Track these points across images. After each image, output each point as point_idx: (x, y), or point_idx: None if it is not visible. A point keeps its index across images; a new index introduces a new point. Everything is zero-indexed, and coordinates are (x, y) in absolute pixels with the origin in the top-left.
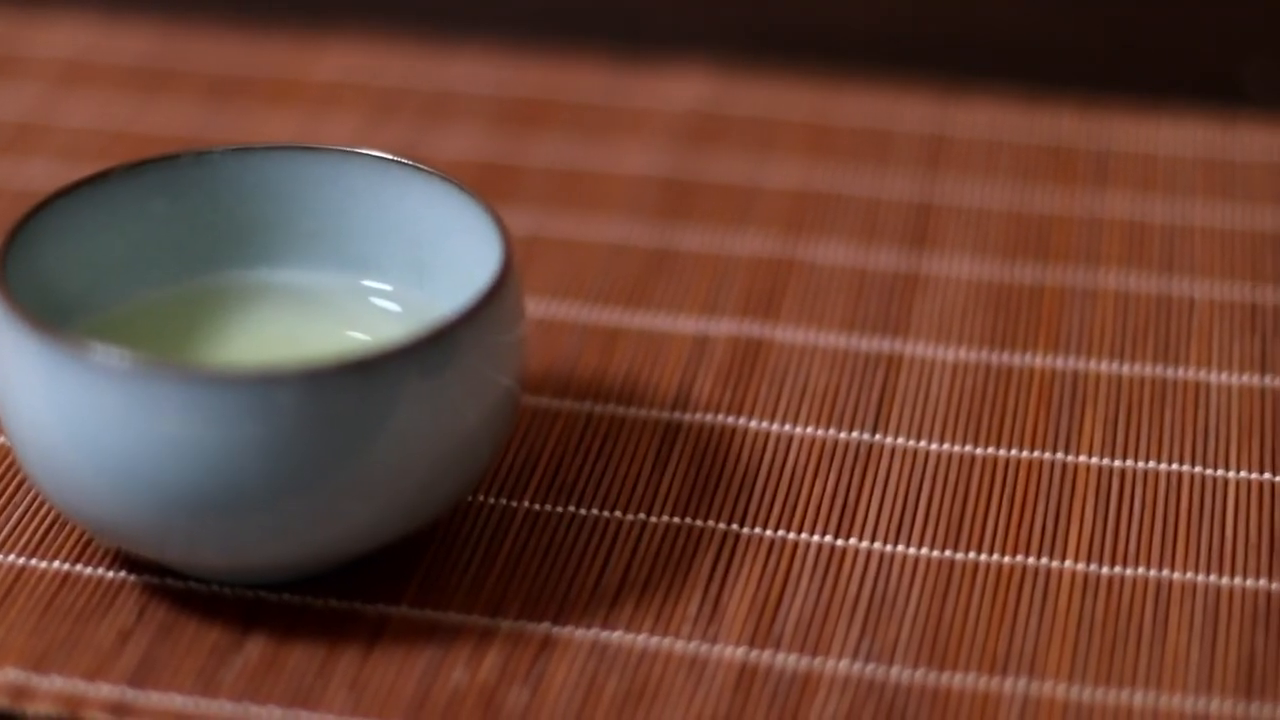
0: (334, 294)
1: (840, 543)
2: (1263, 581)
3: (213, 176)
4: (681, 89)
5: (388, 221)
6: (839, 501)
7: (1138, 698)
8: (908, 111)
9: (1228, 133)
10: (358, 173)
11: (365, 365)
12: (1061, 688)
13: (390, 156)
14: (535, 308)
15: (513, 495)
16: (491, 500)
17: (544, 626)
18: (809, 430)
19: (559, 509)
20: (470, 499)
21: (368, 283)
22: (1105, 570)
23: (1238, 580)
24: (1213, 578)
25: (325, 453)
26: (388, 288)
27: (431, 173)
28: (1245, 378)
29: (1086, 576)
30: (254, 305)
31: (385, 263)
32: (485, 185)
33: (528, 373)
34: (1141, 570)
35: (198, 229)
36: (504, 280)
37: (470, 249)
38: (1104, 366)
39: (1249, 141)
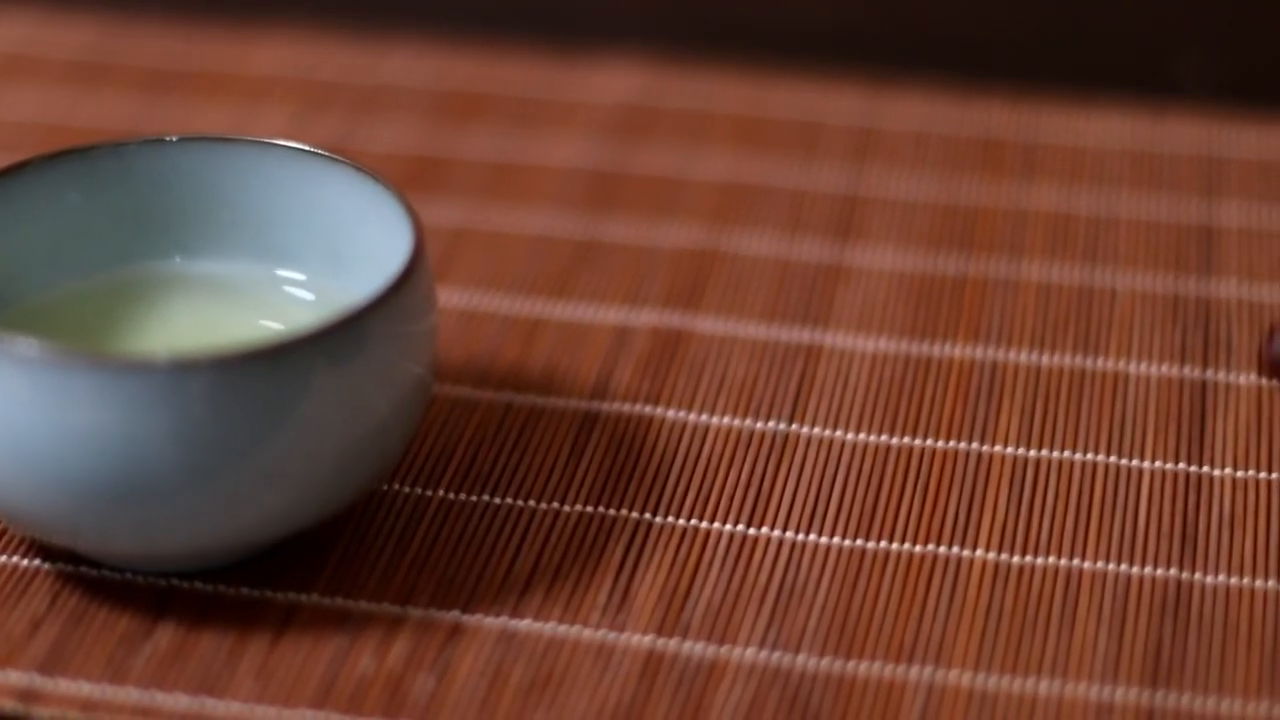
0: (251, 284)
1: (752, 532)
2: (1173, 571)
3: (129, 168)
4: (613, 82)
5: (304, 212)
6: (752, 491)
7: (1043, 686)
8: (837, 104)
9: (1156, 125)
10: (274, 164)
11: (274, 353)
12: (967, 676)
13: (306, 148)
14: (460, 299)
15: (428, 484)
16: (407, 489)
17: (453, 615)
18: (725, 420)
19: (473, 498)
20: (385, 487)
21: (284, 273)
22: (1016, 559)
23: (1148, 569)
24: (1123, 567)
25: (236, 441)
26: (304, 278)
27: (347, 164)
28: (1164, 369)
29: (997, 566)
30: (171, 296)
31: (302, 253)
32: (416, 178)
33: (449, 363)
34: (1052, 559)
35: (116, 220)
36: (412, 270)
37: (386, 239)
38: (1023, 357)
39: (1177, 134)
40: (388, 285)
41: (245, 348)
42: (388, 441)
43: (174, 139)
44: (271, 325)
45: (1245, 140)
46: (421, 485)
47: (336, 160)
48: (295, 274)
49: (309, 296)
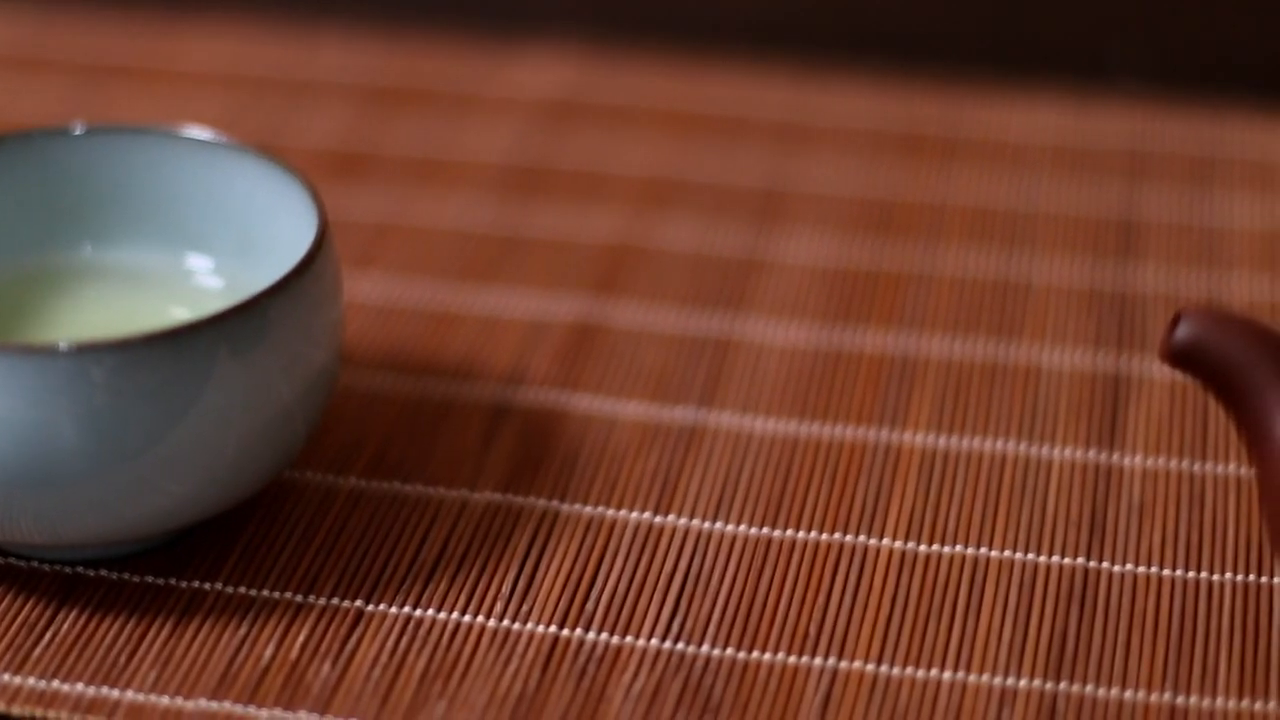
0: (162, 273)
1: (659, 520)
2: (1080, 560)
3: (40, 158)
4: (542, 73)
5: (215, 201)
6: (661, 479)
7: (945, 676)
8: (764, 96)
9: (1081, 116)
10: (185, 154)
11: (175, 338)
12: (870, 666)
13: (216, 138)
14: (381, 289)
15: (339, 473)
16: (317, 478)
17: (356, 604)
18: (638, 409)
19: (383, 486)
20: (296, 476)
21: (196, 261)
22: (923, 548)
23: (1055, 558)
24: (1030, 556)
25: (139, 427)
26: (215, 266)
27: (257, 154)
28: (1078, 358)
29: (903, 554)
30: (83, 284)
31: (213, 242)
32: (344, 169)
33: (367, 353)
34: (959, 548)
35: (26, 210)
36: (314, 257)
37: (296, 228)
38: (937, 346)
39: (1101, 125)
40: (288, 272)
41: (146, 333)
42: (292, 429)
43: (84, 129)
44: (182, 313)
45: (1170, 131)
46: (332, 474)
47: (246, 150)
48: (206, 262)
49: (220, 284)
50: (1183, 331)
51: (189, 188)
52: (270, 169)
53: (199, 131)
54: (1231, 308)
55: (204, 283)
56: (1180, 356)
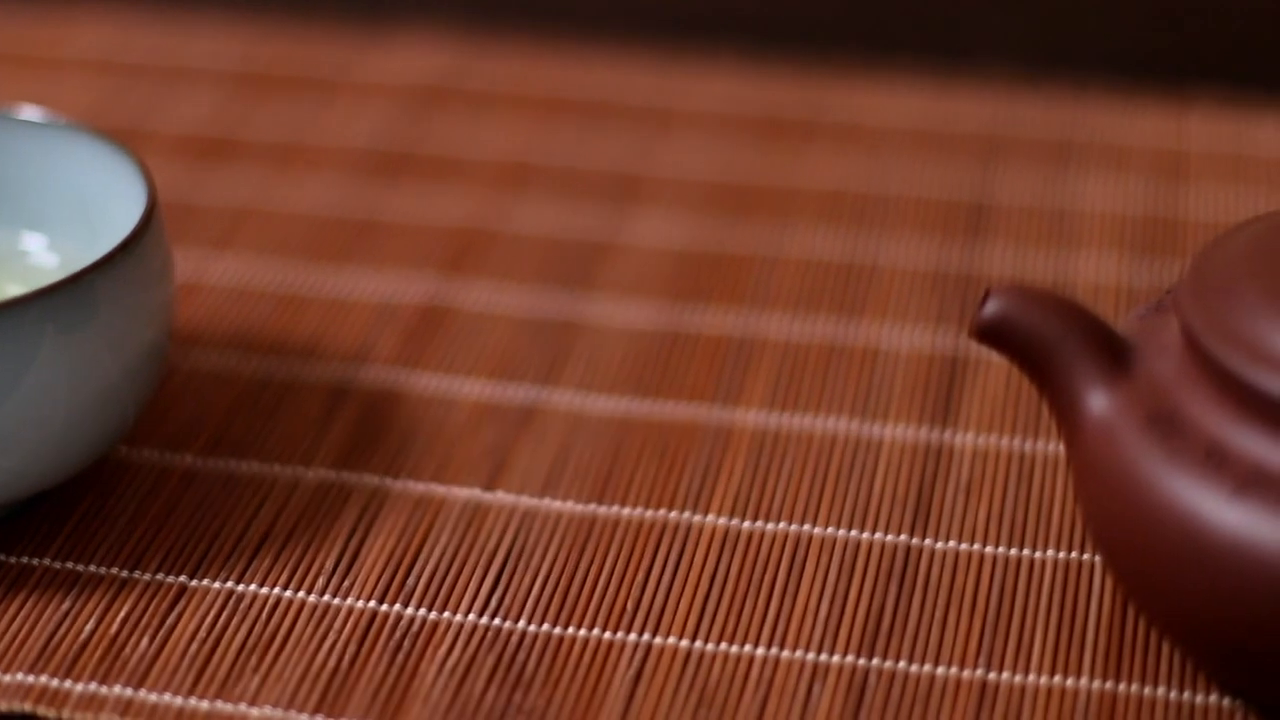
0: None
1: (488, 496)
2: (902, 537)
3: None
4: (411, 59)
5: (52, 181)
6: (493, 457)
7: (759, 652)
8: (627, 80)
9: (938, 99)
10: (21, 134)
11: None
12: (684, 642)
13: (52, 119)
14: (235, 271)
15: (177, 450)
16: (155, 455)
17: (180, 579)
18: (478, 388)
19: (219, 464)
20: (134, 453)
21: (31, 240)
22: (747, 525)
23: (878, 536)
24: (853, 533)
25: None
26: (50, 244)
27: (93, 134)
28: (918, 337)
29: (727, 532)
30: None
31: (50, 221)
32: (209, 153)
33: (216, 334)
34: (783, 525)
35: None
36: (141, 235)
37: (132, 208)
38: (779, 326)
39: (957, 108)
40: (113, 249)
41: None
42: (120, 406)
43: None
44: (16, 290)
45: (1026, 114)
46: (170, 452)
47: (81, 131)
48: (42, 241)
49: (55, 263)
50: (990, 308)
51: (24, 168)
52: (105, 149)
53: (34, 112)
54: (1076, 290)
55: (39, 261)
56: (987, 332)
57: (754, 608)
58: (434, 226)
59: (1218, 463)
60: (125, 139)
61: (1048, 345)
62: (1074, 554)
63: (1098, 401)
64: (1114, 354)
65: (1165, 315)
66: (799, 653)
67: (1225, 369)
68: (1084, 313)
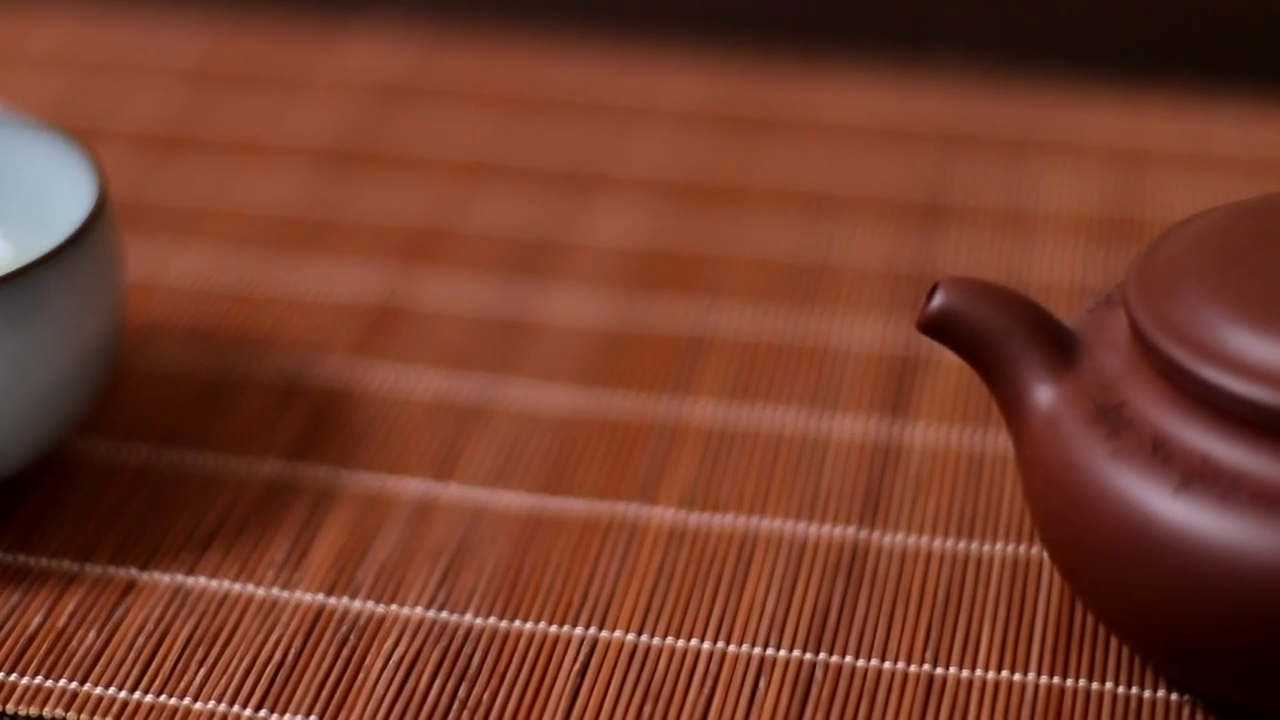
0: None
1: (439, 490)
2: (850, 529)
3: None
4: (374, 55)
5: (7, 176)
6: (446, 451)
7: (705, 646)
8: (589, 76)
9: (896, 93)
10: None
11: None
12: (631, 636)
13: (6, 114)
14: (195, 266)
15: (130, 444)
16: (109, 448)
17: (130, 572)
18: (433, 383)
19: (172, 457)
20: (88, 446)
21: None
22: (695, 519)
23: (826, 529)
24: (802, 526)
25: None
26: (8, 238)
27: (45, 128)
28: (871, 332)
29: (676, 525)
30: None
31: (6, 215)
32: (171, 150)
33: (176, 329)
34: (732, 519)
35: None
36: (90, 229)
37: (85, 202)
38: (732, 320)
39: (916, 102)
40: (62, 242)
41: None
42: (70, 399)
43: None
44: None
45: (984, 109)
46: (124, 445)
47: (34, 125)
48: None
49: (7, 255)
50: (937, 301)
51: None
52: (59, 144)
53: None
54: (1032, 285)
55: None
56: (933, 325)
57: (701, 602)
58: (392, 223)
59: (1164, 457)
60: (86, 135)
61: (994, 338)
62: (1023, 548)
63: (1044, 395)
64: (1061, 347)
65: (1114, 309)
66: (745, 647)
67: (1171, 362)
68: (1031, 306)
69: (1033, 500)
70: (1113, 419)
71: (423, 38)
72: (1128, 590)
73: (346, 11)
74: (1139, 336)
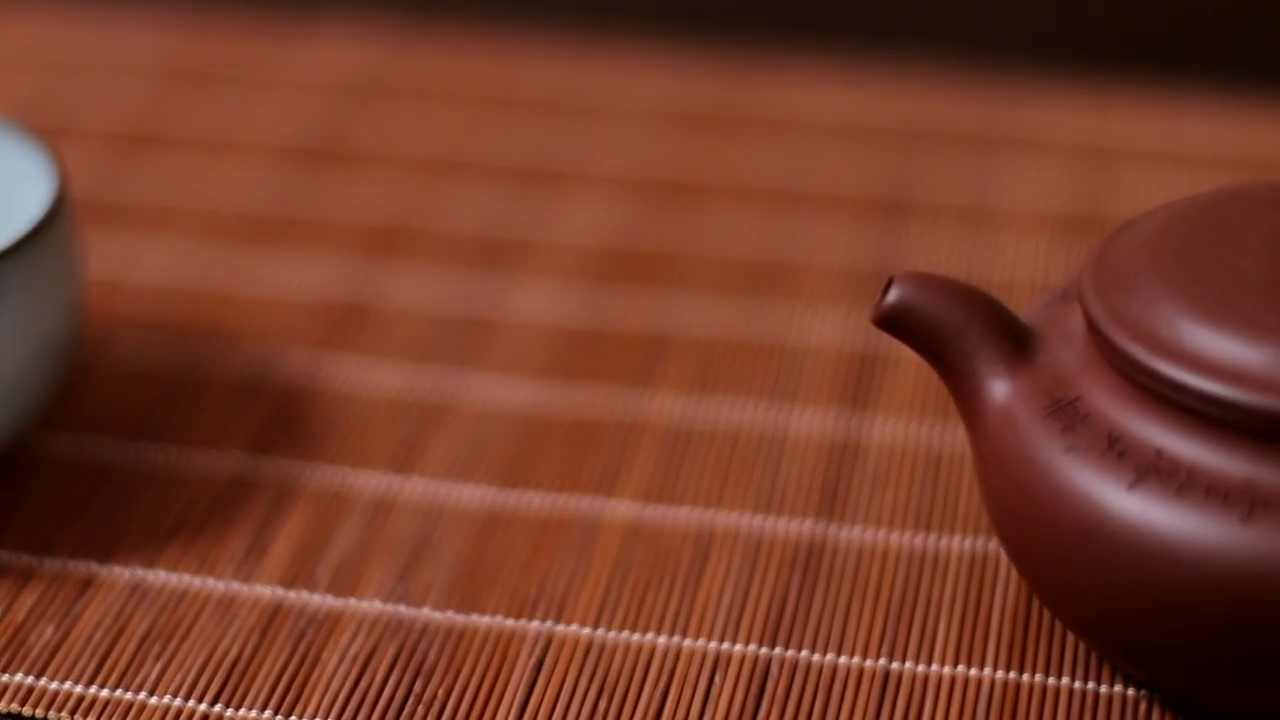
0: None
1: (399, 484)
2: (808, 523)
3: None
4: (344, 53)
5: None
6: (408, 446)
7: (661, 640)
8: (559, 74)
9: (861, 90)
10: None
11: None
12: (587, 630)
13: None
14: (162, 263)
15: (93, 439)
16: (71, 444)
17: (89, 566)
18: (397, 379)
19: (136, 452)
20: (50, 441)
21: None
22: (654, 513)
23: (784, 523)
24: (760, 521)
25: None
26: None
27: (9, 125)
28: (833, 327)
29: (634, 520)
30: None
31: None
32: (139, 148)
33: (143, 326)
34: (690, 513)
35: None
36: (48, 225)
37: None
38: (695, 316)
39: (880, 100)
40: (18, 239)
41: None
42: (27, 395)
43: None
44: None
45: (948, 106)
46: (86, 441)
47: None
48: None
49: None
50: (892, 295)
51: None
52: (22, 142)
53: None
54: (994, 280)
55: None
56: (888, 319)
57: (658, 596)
58: (358, 220)
59: (1119, 452)
60: (54, 134)
61: (949, 333)
62: (980, 543)
63: (1000, 390)
64: (1017, 342)
65: (1070, 304)
66: (702, 641)
67: (1126, 357)
68: (987, 300)
69: (989, 495)
70: (1068, 414)
71: (389, 36)
72: (1083, 585)
73: (314, 10)
74: (1094, 331)
